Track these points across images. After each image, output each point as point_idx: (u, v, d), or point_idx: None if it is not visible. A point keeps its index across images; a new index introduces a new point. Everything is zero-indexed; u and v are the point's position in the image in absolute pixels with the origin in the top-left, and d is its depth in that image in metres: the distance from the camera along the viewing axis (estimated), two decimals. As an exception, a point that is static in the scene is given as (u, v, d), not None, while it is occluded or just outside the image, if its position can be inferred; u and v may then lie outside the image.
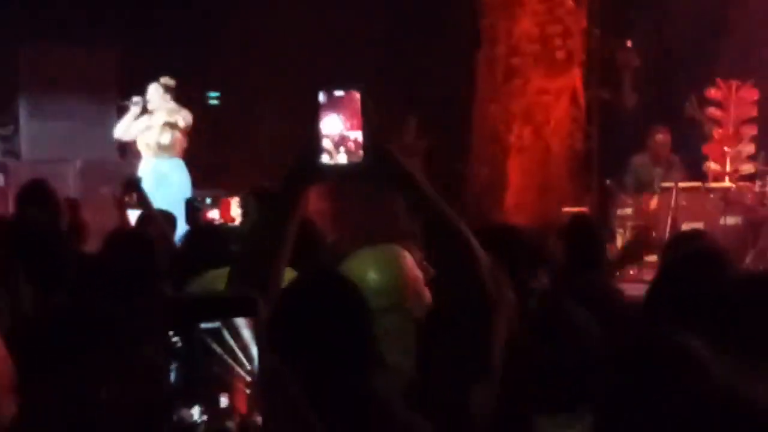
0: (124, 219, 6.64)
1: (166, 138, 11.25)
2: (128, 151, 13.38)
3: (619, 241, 11.90)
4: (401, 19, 14.44)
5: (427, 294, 3.96)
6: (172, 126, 11.22)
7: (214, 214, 5.37)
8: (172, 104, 11.27)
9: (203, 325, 1.71)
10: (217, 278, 3.73)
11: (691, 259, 3.82)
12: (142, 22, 13.23)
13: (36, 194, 6.35)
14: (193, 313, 1.71)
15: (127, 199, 6.62)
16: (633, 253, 5.83)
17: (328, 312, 2.63)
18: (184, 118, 11.25)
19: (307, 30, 13.88)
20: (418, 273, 3.94)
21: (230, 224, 5.79)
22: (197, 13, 13.51)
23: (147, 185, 10.80)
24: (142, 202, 6.63)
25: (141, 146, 11.33)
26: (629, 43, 14.42)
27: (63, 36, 13.01)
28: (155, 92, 11.31)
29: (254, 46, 13.60)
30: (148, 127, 11.30)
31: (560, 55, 13.96)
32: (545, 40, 13.92)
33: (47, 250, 4.95)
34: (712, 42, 13.92)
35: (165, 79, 11.38)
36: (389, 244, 4.04)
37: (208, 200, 4.89)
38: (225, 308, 1.73)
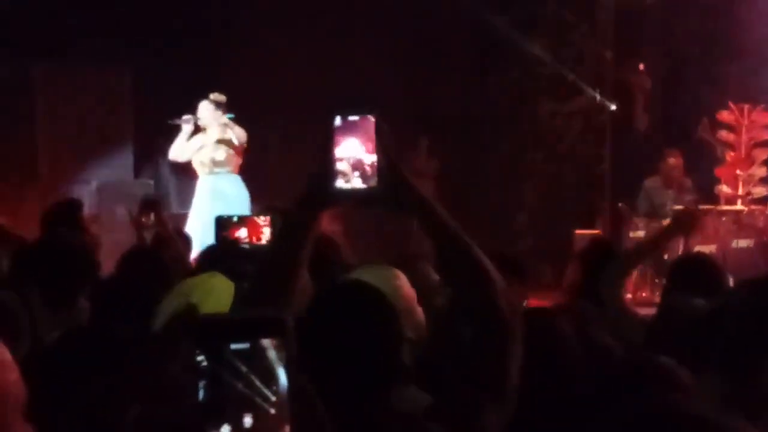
0: (141, 239, 6.67)
1: (220, 154, 11.12)
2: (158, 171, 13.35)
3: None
4: (414, 42, 14.49)
5: (420, 314, 4.03)
6: (226, 142, 11.12)
7: (241, 233, 5.38)
8: (224, 119, 11.15)
9: (233, 347, 1.74)
10: (193, 287, 3.76)
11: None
12: (156, 41, 13.28)
13: (65, 215, 6.40)
14: (223, 334, 1.74)
15: (144, 219, 6.66)
16: (682, 225, 5.78)
17: (363, 322, 2.66)
18: (237, 136, 11.15)
19: (320, 52, 13.94)
20: (412, 293, 4.03)
21: (258, 243, 5.80)
22: (212, 31, 13.59)
23: (204, 202, 10.89)
24: (160, 222, 6.66)
25: (196, 164, 11.20)
26: (641, 67, 14.46)
27: (76, 55, 13.05)
28: (206, 109, 11.14)
29: (268, 66, 13.66)
30: (202, 147, 11.15)
31: (572, 78, 14.01)
32: (557, 64, 13.97)
33: (78, 271, 5.01)
34: (724, 65, 13.96)
35: (215, 95, 11.20)
36: (384, 266, 4.11)
37: (235, 218, 4.91)
38: (254, 329, 1.76)
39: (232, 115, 11.35)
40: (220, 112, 11.11)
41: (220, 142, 11.11)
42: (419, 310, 4.11)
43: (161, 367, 2.08)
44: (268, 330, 1.73)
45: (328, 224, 13.94)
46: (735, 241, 12.14)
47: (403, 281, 4.09)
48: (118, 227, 11.08)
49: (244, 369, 1.70)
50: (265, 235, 5.24)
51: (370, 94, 14.15)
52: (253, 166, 12.77)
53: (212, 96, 11.16)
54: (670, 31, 14.38)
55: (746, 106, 13.45)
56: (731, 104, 13.45)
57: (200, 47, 13.46)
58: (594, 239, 5.95)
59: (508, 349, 2.66)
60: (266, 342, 1.72)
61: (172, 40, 13.30)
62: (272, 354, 1.72)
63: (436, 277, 5.07)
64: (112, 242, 9.60)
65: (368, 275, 3.92)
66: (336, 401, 2.24)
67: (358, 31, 14.13)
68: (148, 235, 6.64)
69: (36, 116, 13.67)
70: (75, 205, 6.70)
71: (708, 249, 12.10)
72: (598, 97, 14.13)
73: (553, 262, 11.06)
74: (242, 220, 4.98)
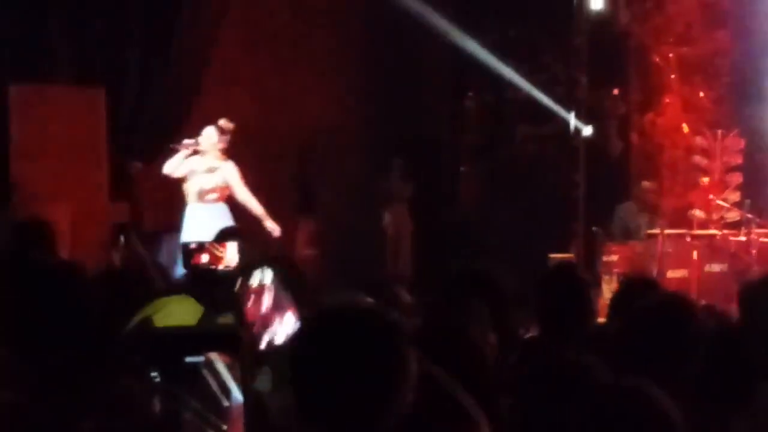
0: (110, 261, 6.66)
1: (209, 183, 11.15)
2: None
3: (605, 289, 11.92)
4: (388, 65, 14.52)
5: None
6: (217, 171, 11.12)
7: (204, 258, 5.36)
8: (220, 150, 11.15)
9: (188, 359, 1.73)
10: (159, 307, 3.76)
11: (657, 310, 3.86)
12: (130, 62, 13.25)
13: (36, 234, 6.36)
14: (176, 347, 1.74)
15: (116, 242, 6.65)
16: None
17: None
18: (226, 172, 11.15)
19: (293, 74, 13.95)
20: None
21: (224, 269, 5.78)
22: (189, 51, 13.57)
23: (190, 230, 10.87)
24: (131, 246, 6.65)
25: (186, 191, 11.22)
26: (615, 91, 14.52)
27: (52, 74, 13.01)
28: (209, 137, 11.15)
29: (239, 87, 13.65)
30: (192, 172, 11.14)
31: (546, 102, 14.06)
32: (532, 87, 14.02)
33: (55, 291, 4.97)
34: (698, 90, 14.06)
35: (223, 122, 11.23)
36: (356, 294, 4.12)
37: (193, 245, 4.90)
38: (208, 342, 1.76)
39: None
40: (223, 139, 11.13)
41: (211, 170, 11.12)
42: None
43: (115, 381, 2.07)
44: (223, 344, 1.73)
45: (304, 248, 13.98)
46: (708, 265, 12.18)
47: None
48: (91, 249, 11.03)
49: (197, 384, 1.70)
50: (225, 261, 5.22)
51: (343, 115, 14.19)
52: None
53: (220, 122, 11.17)
54: (645, 56, 14.46)
55: (720, 131, 13.52)
56: (705, 129, 13.52)
57: (176, 69, 13.43)
58: (558, 265, 5.90)
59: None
60: (215, 357, 1.72)
61: (148, 59, 13.28)
62: (223, 368, 1.72)
63: (408, 298, 5.09)
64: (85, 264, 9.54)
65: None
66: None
67: (333, 55, 14.16)
68: (119, 258, 6.63)
69: (10, 136, 13.61)
70: (46, 226, 6.65)
71: (681, 273, 12.15)
72: (572, 121, 14.18)
73: (528, 286, 11.08)
74: (201, 247, 4.97)
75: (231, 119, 11.87)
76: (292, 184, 14.31)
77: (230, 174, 11.18)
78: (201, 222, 10.97)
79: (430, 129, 14.68)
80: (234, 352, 1.75)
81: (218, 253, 4.87)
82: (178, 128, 11.56)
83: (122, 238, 6.61)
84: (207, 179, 11.14)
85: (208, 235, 9.92)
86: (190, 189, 11.15)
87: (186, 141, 11.10)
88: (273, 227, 11.07)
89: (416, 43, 14.29)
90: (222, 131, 11.16)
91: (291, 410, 3.45)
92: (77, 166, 13.62)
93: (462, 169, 14.74)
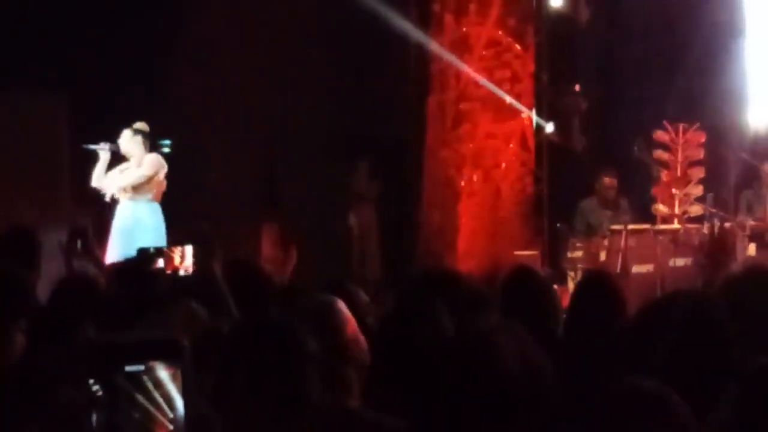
0: (69, 267, 6.62)
1: (138, 180, 11.21)
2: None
3: (571, 285, 11.96)
4: (351, 64, 14.51)
5: (363, 340, 4.05)
6: (144, 168, 11.19)
7: (160, 263, 5.35)
8: (143, 148, 11.22)
9: (127, 368, 1.72)
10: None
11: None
12: (92, 67, 13.19)
13: (17, 244, 6.32)
14: (117, 356, 1.73)
15: (73, 247, 6.61)
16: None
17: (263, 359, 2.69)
18: (148, 170, 11.20)
19: (258, 78, 13.91)
20: (353, 319, 4.04)
21: (181, 273, 5.76)
22: (150, 57, 13.51)
23: (125, 229, 10.90)
24: (88, 249, 6.62)
25: (117, 191, 11.26)
26: (577, 88, 14.57)
27: (10, 80, 12.93)
28: (127, 137, 11.25)
29: (206, 92, 13.61)
30: (122, 171, 11.25)
31: (508, 99, 14.10)
32: (493, 85, 14.04)
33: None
34: (659, 85, 14.12)
35: (139, 124, 11.31)
36: (327, 295, 4.13)
37: (152, 250, 4.88)
38: (148, 351, 1.75)
39: (168, 142, 11.37)
40: (140, 140, 11.20)
41: (137, 169, 11.18)
42: (361, 337, 4.12)
43: (54, 392, 2.06)
44: (163, 352, 1.72)
45: (269, 250, 13.94)
46: (672, 259, 12.24)
47: (345, 308, 4.11)
48: (53, 255, 10.99)
49: (138, 395, 1.69)
50: (181, 265, 5.22)
51: (310, 116, 14.17)
52: (190, 190, 12.73)
53: (136, 125, 11.27)
54: (605, 52, 14.52)
55: (681, 126, 13.58)
56: (666, 124, 13.58)
57: (137, 72, 13.38)
58: (516, 269, 5.91)
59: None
60: (160, 367, 1.70)
61: (109, 64, 13.22)
62: (166, 379, 1.71)
63: (365, 298, 5.13)
64: (48, 271, 9.50)
65: (314, 305, 3.98)
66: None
67: (295, 56, 14.12)
68: (79, 263, 6.59)
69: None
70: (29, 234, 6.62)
71: (645, 268, 12.20)
72: (534, 118, 14.21)
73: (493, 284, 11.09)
74: (159, 251, 4.96)
75: (198, 120, 11.89)
76: (256, 184, 14.29)
77: (150, 162, 11.20)
78: (135, 222, 11.03)
79: (395, 128, 14.68)
80: (176, 359, 1.74)
81: (175, 257, 4.86)
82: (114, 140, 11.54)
83: (80, 243, 6.58)
84: (135, 176, 11.20)
85: (141, 237, 10.05)
86: (121, 187, 11.21)
87: (102, 144, 11.18)
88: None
89: (380, 42, 14.28)
90: (135, 132, 11.26)
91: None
92: (39, 171, 13.57)
93: (426, 167, 14.73)
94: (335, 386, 3.55)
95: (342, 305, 4.05)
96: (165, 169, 11.31)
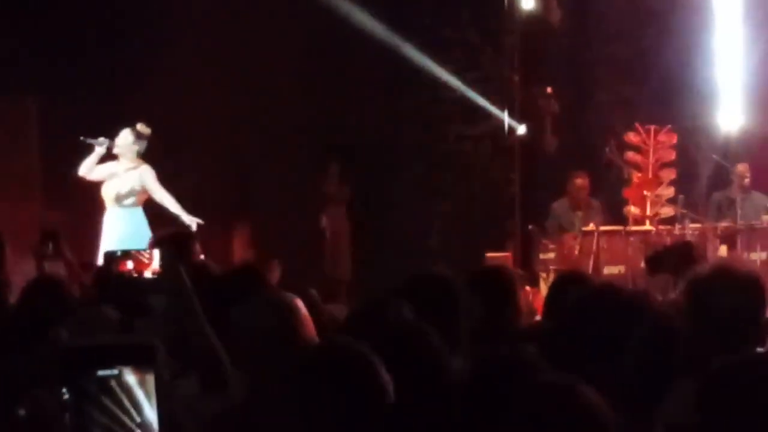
0: (41, 270, 6.58)
1: (126, 187, 11.13)
2: None
3: (543, 286, 11.97)
4: (323, 67, 14.49)
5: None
6: (133, 175, 11.11)
7: (128, 265, 5.32)
8: (136, 153, 11.15)
9: (100, 372, 1.70)
10: None
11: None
12: (63, 70, 13.13)
13: None
14: (88, 359, 1.71)
15: (43, 249, 6.57)
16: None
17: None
18: (143, 175, 11.14)
19: (229, 81, 13.88)
20: (310, 320, 4.06)
21: (148, 276, 5.72)
22: (121, 58, 13.47)
23: (115, 235, 10.83)
24: (59, 251, 6.58)
25: (103, 195, 11.19)
26: (549, 89, 14.59)
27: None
28: (125, 138, 11.16)
29: (178, 96, 13.57)
30: (112, 175, 11.16)
31: (480, 101, 14.11)
32: (466, 87, 14.06)
33: None
34: (630, 87, 14.17)
35: (141, 126, 11.20)
36: (286, 294, 4.14)
37: (119, 253, 4.85)
38: (121, 355, 1.73)
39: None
40: (136, 146, 11.14)
41: (126, 174, 11.11)
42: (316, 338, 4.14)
43: (26, 394, 2.04)
44: (137, 356, 1.70)
45: (240, 251, 13.92)
46: (644, 261, 12.27)
47: (303, 308, 4.12)
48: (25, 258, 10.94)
49: (107, 400, 1.67)
50: (151, 267, 5.18)
51: (279, 118, 14.14)
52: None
53: (138, 126, 11.17)
54: (577, 54, 14.55)
55: (653, 128, 13.62)
56: (638, 126, 13.62)
57: (108, 76, 13.33)
58: (486, 270, 5.88)
59: None
60: (128, 371, 1.68)
61: (79, 68, 13.17)
62: (134, 383, 1.68)
63: (318, 301, 5.15)
64: (20, 273, 9.45)
65: (268, 303, 3.98)
66: None
67: (267, 59, 14.09)
68: (50, 266, 6.56)
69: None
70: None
71: (617, 269, 12.25)
72: (506, 120, 14.23)
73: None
74: (127, 254, 4.93)
75: (168, 123, 11.84)
76: (228, 186, 14.26)
77: (146, 177, 11.16)
78: (118, 227, 10.99)
79: (366, 130, 14.67)
80: (148, 364, 1.72)
81: (145, 260, 4.83)
82: (113, 136, 11.47)
83: (50, 246, 6.54)
84: (123, 183, 11.14)
85: (126, 240, 9.99)
86: (107, 193, 11.15)
87: (100, 138, 11.11)
88: (191, 220, 11.05)
89: (351, 44, 14.28)
90: (138, 135, 11.17)
91: (221, 417, 3.44)
92: (9, 174, 13.50)
93: (398, 169, 14.74)
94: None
95: (299, 303, 4.07)
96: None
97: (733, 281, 3.52)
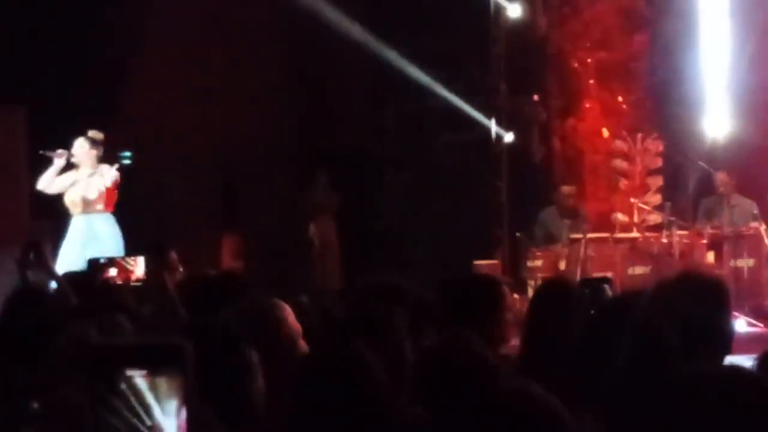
0: (24, 279, 6.57)
1: (92, 193, 11.10)
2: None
3: (531, 293, 11.98)
4: (311, 76, 14.52)
5: (304, 346, 4.07)
6: (96, 178, 11.09)
7: (112, 272, 5.35)
8: (95, 159, 11.14)
9: (128, 372, 1.71)
10: None
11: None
12: (52, 79, 13.13)
13: None
14: (118, 359, 1.72)
15: (27, 259, 6.56)
16: None
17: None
18: (105, 174, 11.12)
19: (216, 89, 13.90)
20: (297, 326, 4.07)
21: (133, 283, 5.75)
22: (109, 68, 13.47)
23: (74, 244, 10.80)
24: (42, 261, 6.58)
25: (68, 203, 11.16)
26: (536, 98, 14.63)
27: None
28: (81, 146, 11.15)
29: (163, 103, 13.57)
30: (74, 183, 11.14)
31: (467, 109, 14.13)
32: (453, 95, 14.08)
33: None
34: (617, 95, 14.21)
35: (93, 133, 11.19)
36: (271, 299, 4.15)
37: (103, 260, 4.86)
38: (151, 355, 1.73)
39: (128, 154, 11.29)
40: (95, 151, 11.13)
41: (92, 179, 11.08)
42: (302, 342, 4.14)
43: (53, 391, 2.05)
44: (166, 357, 1.70)
45: (229, 260, 13.91)
46: (631, 268, 12.31)
47: (288, 313, 4.14)
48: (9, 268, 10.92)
49: (116, 401, 1.68)
50: (135, 274, 5.21)
51: (267, 127, 14.15)
52: (150, 201, 12.70)
53: (90, 133, 11.18)
54: (563, 62, 14.58)
55: (639, 135, 13.66)
56: (625, 133, 13.65)
57: (96, 84, 13.33)
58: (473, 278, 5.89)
59: None
60: (139, 377, 1.69)
61: (68, 76, 13.17)
62: (146, 388, 1.69)
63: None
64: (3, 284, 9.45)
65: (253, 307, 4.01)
66: None
67: (255, 67, 14.12)
68: (34, 275, 6.55)
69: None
70: None
71: (605, 275, 12.25)
72: (493, 128, 14.25)
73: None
74: (111, 261, 4.95)
75: (156, 131, 11.86)
76: (216, 195, 14.26)
77: (107, 173, 11.13)
78: (89, 235, 10.95)
79: (353, 140, 14.69)
80: (179, 363, 1.73)
81: (129, 267, 4.86)
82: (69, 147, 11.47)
83: (32, 256, 6.53)
84: (89, 187, 11.10)
85: (97, 248, 9.99)
86: (72, 200, 11.11)
87: (58, 150, 11.10)
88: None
89: (338, 54, 14.30)
90: (93, 141, 11.17)
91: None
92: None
93: (386, 178, 14.76)
94: (275, 385, 3.56)
95: (283, 306, 4.08)
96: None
97: (696, 288, 3.53)
